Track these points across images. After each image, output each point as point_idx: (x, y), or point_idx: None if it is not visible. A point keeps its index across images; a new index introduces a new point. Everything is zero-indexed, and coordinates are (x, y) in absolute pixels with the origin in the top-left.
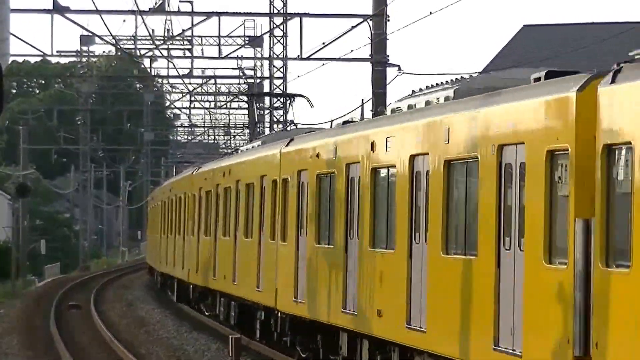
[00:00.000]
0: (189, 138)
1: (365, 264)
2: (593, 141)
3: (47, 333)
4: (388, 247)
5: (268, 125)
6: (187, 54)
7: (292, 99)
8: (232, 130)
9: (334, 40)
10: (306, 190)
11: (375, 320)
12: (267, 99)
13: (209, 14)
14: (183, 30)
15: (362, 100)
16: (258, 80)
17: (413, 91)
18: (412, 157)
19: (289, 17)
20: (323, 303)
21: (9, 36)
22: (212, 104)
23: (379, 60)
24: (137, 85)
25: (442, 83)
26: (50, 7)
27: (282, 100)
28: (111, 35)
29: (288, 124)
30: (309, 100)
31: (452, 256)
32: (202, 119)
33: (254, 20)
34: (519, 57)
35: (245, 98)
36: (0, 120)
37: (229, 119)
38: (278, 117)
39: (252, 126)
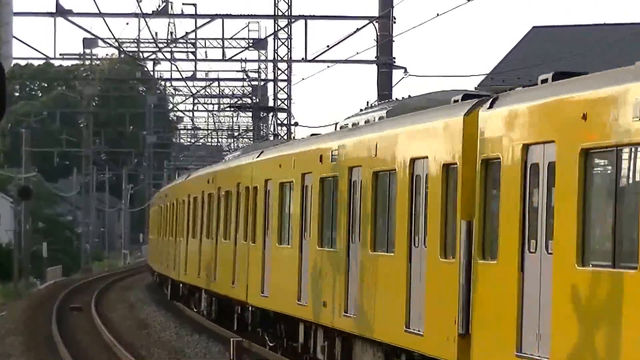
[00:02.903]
0: (192, 141)
1: (312, 262)
2: (475, 156)
3: (48, 335)
4: (332, 246)
5: (272, 128)
6: (191, 56)
7: (267, 113)
8: (235, 133)
9: (339, 43)
10: (272, 197)
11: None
12: (270, 102)
13: (212, 17)
14: (186, 32)
15: (367, 102)
16: (262, 83)
17: (361, 109)
18: (350, 169)
19: (293, 20)
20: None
21: (12, 39)
22: (216, 107)
23: (385, 62)
24: (140, 88)
25: (391, 100)
26: (54, 10)
27: (286, 103)
28: (114, 38)
29: (294, 126)
30: (290, 113)
31: (378, 253)
32: (205, 121)
33: (258, 22)
34: (528, 58)
35: (248, 100)
36: (3, 123)
37: (233, 122)
38: (282, 119)
39: (256, 132)
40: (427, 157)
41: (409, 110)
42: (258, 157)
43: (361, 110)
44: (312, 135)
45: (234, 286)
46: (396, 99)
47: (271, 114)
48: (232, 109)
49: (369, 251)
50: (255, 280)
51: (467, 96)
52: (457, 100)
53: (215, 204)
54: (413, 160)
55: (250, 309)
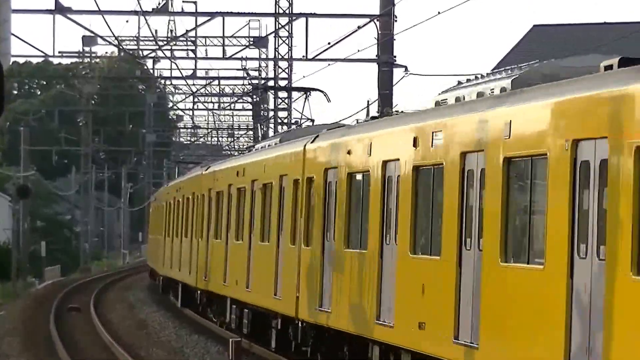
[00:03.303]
0: (192, 140)
1: (403, 271)
2: None
3: (47, 335)
4: (433, 253)
5: (272, 126)
6: (191, 54)
7: (309, 93)
8: (235, 132)
9: (340, 41)
10: (336, 191)
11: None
12: (271, 100)
13: (213, 14)
14: (187, 30)
15: (368, 101)
16: (262, 81)
17: (459, 82)
18: (463, 155)
19: (294, 17)
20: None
21: (10, 36)
22: (216, 105)
23: (386, 61)
24: (140, 86)
25: (470, 79)
26: (52, 8)
27: (286, 101)
28: (114, 35)
29: (304, 120)
30: (325, 95)
31: (512, 264)
32: (205, 120)
33: (258, 20)
34: (529, 57)
35: (249, 99)
36: (1, 121)
37: (233, 121)
38: (282, 118)
39: (264, 121)
40: (604, 137)
41: (541, 79)
42: (313, 142)
43: (460, 83)
44: (373, 117)
45: (277, 297)
46: (519, 66)
47: (271, 114)
48: (259, 90)
49: (498, 261)
50: (311, 292)
51: (624, 60)
52: (610, 67)
53: (249, 200)
54: (576, 142)
55: (300, 325)
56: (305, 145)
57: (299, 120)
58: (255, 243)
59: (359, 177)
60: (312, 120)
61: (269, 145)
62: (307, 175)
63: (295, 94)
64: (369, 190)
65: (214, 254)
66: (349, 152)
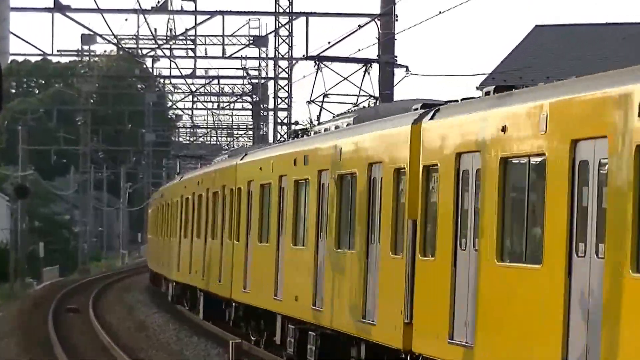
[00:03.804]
0: (192, 139)
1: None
2: None
3: (45, 337)
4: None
5: (272, 127)
6: (190, 53)
7: (370, 65)
8: (235, 132)
9: (340, 40)
10: (472, 183)
11: None
12: (271, 101)
13: (212, 13)
14: (186, 29)
15: (369, 102)
16: (262, 81)
17: None
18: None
19: (294, 17)
20: None
21: (8, 35)
22: (215, 105)
23: (387, 61)
24: (139, 86)
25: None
26: (51, 6)
27: (286, 101)
28: (113, 34)
29: (365, 97)
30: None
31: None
32: (204, 119)
33: (258, 19)
34: (531, 58)
35: (248, 99)
36: None
37: (232, 120)
38: (282, 118)
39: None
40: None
41: None
42: (432, 118)
43: None
44: (497, 87)
45: (367, 321)
46: None
47: (271, 113)
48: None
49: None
50: (434, 318)
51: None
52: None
53: (314, 195)
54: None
55: None
56: (419, 123)
57: (357, 98)
58: (328, 250)
59: (521, 163)
60: (376, 98)
61: (336, 127)
62: (424, 162)
63: (348, 68)
64: (543, 181)
65: (257, 260)
66: (503, 129)
